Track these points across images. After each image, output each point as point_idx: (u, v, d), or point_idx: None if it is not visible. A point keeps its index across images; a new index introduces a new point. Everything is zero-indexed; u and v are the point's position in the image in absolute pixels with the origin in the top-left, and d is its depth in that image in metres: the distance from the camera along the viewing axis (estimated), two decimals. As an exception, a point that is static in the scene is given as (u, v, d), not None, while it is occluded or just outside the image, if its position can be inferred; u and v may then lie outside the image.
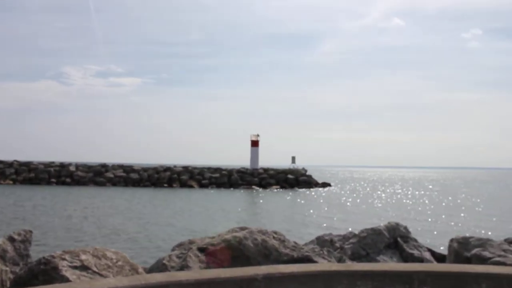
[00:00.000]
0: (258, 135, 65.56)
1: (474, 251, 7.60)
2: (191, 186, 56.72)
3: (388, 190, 62.72)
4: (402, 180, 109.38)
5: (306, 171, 64.32)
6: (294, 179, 60.80)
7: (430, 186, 76.11)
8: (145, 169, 59.38)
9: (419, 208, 35.63)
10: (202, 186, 57.05)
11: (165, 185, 56.46)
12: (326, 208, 34.55)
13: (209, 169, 61.54)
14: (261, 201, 41.48)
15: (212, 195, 46.94)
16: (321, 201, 41.51)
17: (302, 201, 40.67)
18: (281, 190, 56.52)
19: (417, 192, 58.94)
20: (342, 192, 56.56)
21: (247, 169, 62.14)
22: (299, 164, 69.53)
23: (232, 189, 55.97)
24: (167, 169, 59.77)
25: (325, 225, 24.84)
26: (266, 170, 62.11)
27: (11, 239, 6.34)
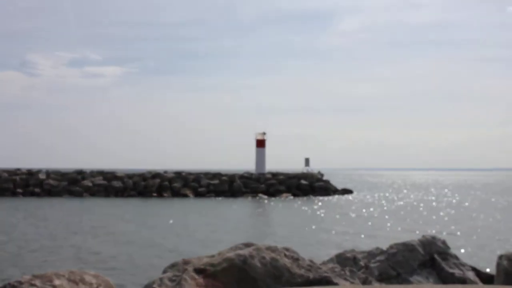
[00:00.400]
0: (264, 134, 65.95)
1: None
2: (185, 195, 57.16)
3: (427, 197, 62.93)
4: (445, 186, 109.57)
5: (322, 175, 64.69)
6: (308, 185, 61.11)
7: (478, 192, 76.19)
8: (129, 176, 59.78)
9: (460, 219, 35.64)
10: (198, 195, 57.60)
11: (154, 194, 56.99)
12: (347, 220, 34.64)
13: (207, 174, 61.89)
14: (269, 211, 41.63)
15: (210, 205, 47.20)
16: (342, 211, 41.61)
17: (319, 212, 40.84)
18: (293, 198, 56.88)
19: (454, 200, 58.41)
20: (367, 200, 56.80)
21: (252, 174, 62.49)
22: (314, 167, 68.81)
23: (234, 198, 56.36)
24: (156, 175, 60.20)
25: (347, 240, 24.99)
26: (274, 174, 62.41)
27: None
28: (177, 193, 57.45)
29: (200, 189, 58.21)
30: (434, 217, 37.37)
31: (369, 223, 32.59)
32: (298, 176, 62.26)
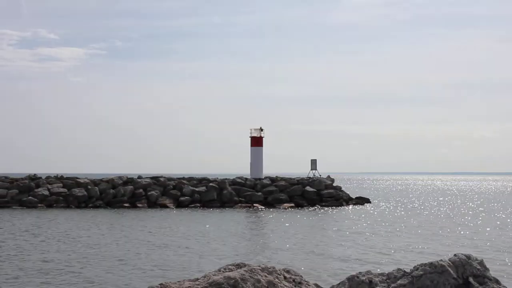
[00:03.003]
0: (261, 130, 66.15)
1: None
2: (164, 206, 57.46)
3: (459, 208, 63.12)
4: (474, 192, 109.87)
5: (333, 180, 64.78)
6: (315, 193, 61.37)
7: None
8: (95, 183, 59.94)
9: (501, 236, 35.77)
10: (180, 205, 58.02)
11: (126, 204, 57.34)
12: (362, 236, 34.66)
13: (190, 180, 62.07)
14: (266, 225, 41.81)
15: (195, 218, 47.32)
16: (356, 224, 41.74)
17: (327, 226, 40.93)
18: (296, 209, 57.07)
19: (498, 211, 58.49)
20: (387, 211, 57.08)
21: (246, 179, 62.77)
22: (322, 171, 68.68)
23: (224, 209, 56.47)
24: (129, 181, 60.43)
25: (360, 259, 24.97)
26: (274, 180, 62.66)
27: None
28: (154, 203, 57.76)
29: (183, 198, 58.55)
30: (468, 232, 37.56)
31: (389, 240, 32.75)
32: (302, 182, 62.45)
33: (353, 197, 67.27)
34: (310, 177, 64.79)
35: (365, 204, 65.90)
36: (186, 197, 58.66)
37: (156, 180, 60.90)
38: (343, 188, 67.88)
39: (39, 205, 56.44)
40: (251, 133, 65.89)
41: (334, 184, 64.69)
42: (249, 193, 60.01)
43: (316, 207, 58.74)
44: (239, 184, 61.45)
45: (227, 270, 7.38)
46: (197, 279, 7.25)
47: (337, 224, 42.56)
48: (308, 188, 61.54)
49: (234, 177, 63.67)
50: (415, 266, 9.22)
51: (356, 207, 61.54)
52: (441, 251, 26.86)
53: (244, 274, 6.89)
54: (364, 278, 9.55)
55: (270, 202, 59.29)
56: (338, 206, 60.27)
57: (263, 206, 58.48)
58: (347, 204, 63.04)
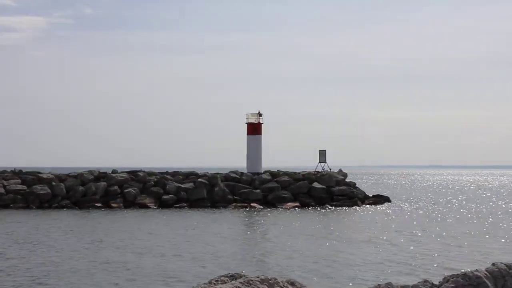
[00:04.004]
0: (260, 115, 66.13)
1: None
2: (143, 206, 57.49)
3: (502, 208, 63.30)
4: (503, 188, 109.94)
5: (345, 175, 64.66)
6: (324, 191, 61.17)
7: None
8: (61, 178, 59.56)
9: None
10: (163, 205, 58.02)
11: (98, 204, 57.30)
12: (382, 240, 34.66)
13: (175, 175, 61.81)
14: (266, 228, 41.80)
15: (181, 220, 47.44)
16: (374, 228, 41.73)
17: (338, 229, 40.99)
18: (301, 209, 56.98)
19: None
20: (411, 212, 56.98)
21: (242, 173, 62.69)
22: (333, 164, 68.29)
23: (215, 209, 56.44)
24: (101, 176, 60.31)
25: (377, 269, 24.98)
26: (275, 175, 62.53)
27: None
28: (131, 203, 57.70)
29: (166, 197, 58.45)
30: (507, 237, 37.59)
31: (413, 246, 32.77)
32: (309, 177, 62.19)
33: (370, 195, 67.07)
34: (318, 171, 64.48)
35: (384, 203, 65.66)
36: (170, 196, 58.46)
37: (134, 175, 60.50)
38: (357, 185, 67.58)
39: (-6, 205, 56.17)
40: (247, 118, 65.65)
41: (347, 180, 64.31)
42: (245, 190, 59.80)
43: (325, 207, 58.61)
44: (233, 180, 61.13)
45: (219, 282, 7.38)
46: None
47: (350, 227, 42.40)
48: (315, 184, 61.25)
49: (228, 172, 63.43)
50: (445, 278, 9.21)
51: (373, 207, 61.41)
52: (477, 260, 26.83)
53: (239, 287, 6.86)
54: (384, 291, 9.54)
55: (271, 201, 59.13)
56: (351, 206, 60.02)
57: (262, 206, 58.34)
58: (363, 203, 62.86)
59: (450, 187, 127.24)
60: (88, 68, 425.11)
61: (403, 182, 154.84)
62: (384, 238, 36.35)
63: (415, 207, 63.95)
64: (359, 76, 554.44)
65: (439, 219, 50.04)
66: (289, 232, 39.22)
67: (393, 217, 51.76)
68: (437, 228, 42.47)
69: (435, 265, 26.13)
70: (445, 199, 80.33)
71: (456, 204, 69.27)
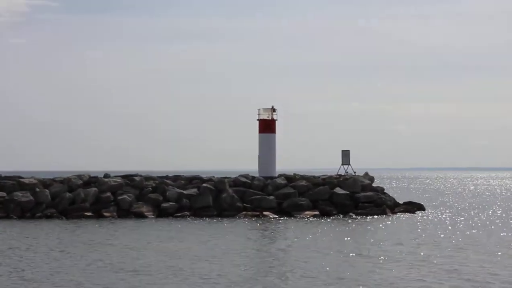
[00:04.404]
0: (274, 110, 65.42)
1: None
2: (140, 215, 56.76)
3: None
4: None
5: (372, 179, 63.98)
6: (348, 197, 60.33)
7: None
8: (45, 184, 58.95)
9: None
10: (162, 213, 57.77)
11: (88, 213, 56.56)
12: (414, 257, 33.30)
13: (177, 179, 61.27)
14: (280, 241, 41.34)
15: (183, 231, 46.93)
16: (407, 240, 40.78)
17: (364, 242, 40.35)
18: (321, 219, 56.23)
19: None
20: (448, 221, 55.96)
21: (253, 178, 61.99)
22: (358, 166, 67.61)
23: (223, 218, 55.85)
24: (91, 181, 59.58)
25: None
26: (291, 179, 61.70)
27: None
28: (126, 212, 56.88)
29: (166, 205, 57.79)
30: None
31: (453, 263, 31.43)
32: (330, 182, 61.09)
33: (400, 202, 65.59)
34: (340, 175, 63.76)
35: (417, 212, 64.50)
36: (170, 203, 58.07)
37: (129, 179, 59.89)
38: (385, 190, 66.25)
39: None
40: (259, 114, 64.70)
41: (374, 184, 63.42)
42: (257, 197, 58.95)
43: (349, 216, 57.65)
44: (243, 185, 60.36)
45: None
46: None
47: (378, 239, 41.50)
48: (338, 189, 60.23)
49: (237, 176, 62.37)
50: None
51: (405, 216, 60.32)
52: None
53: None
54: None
55: (286, 210, 58.37)
56: (379, 215, 58.97)
57: (277, 214, 57.55)
58: (392, 211, 61.39)
59: (492, 192, 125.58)
60: (75, 58, 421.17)
61: (439, 187, 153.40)
62: (420, 252, 35.17)
63: (453, 215, 62.68)
64: (389, 65, 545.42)
65: (484, 229, 48.60)
66: (310, 247, 37.70)
67: (431, 226, 50.74)
68: (483, 241, 41.01)
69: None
70: (486, 206, 79.11)
71: (499, 213, 67.94)
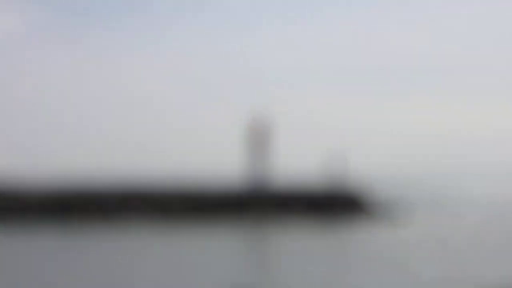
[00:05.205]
0: (267, 114, 63.37)
1: None
2: (123, 222, 56.93)
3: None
4: None
5: (376, 185, 64.90)
6: (346, 202, 59.59)
7: None
8: (16, 194, 57.88)
9: None
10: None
11: (76, 220, 55.41)
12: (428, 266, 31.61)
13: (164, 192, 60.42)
14: (276, 261, 38.60)
15: (169, 245, 45.49)
16: (415, 248, 39.90)
17: (368, 251, 39.25)
18: (314, 230, 55.89)
19: None
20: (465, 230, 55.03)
21: (241, 189, 61.68)
22: (360, 171, 66.96)
23: (205, 229, 54.70)
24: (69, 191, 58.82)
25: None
26: (283, 191, 61.58)
27: None
28: (106, 220, 56.29)
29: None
30: None
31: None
32: (326, 193, 61.57)
33: (407, 208, 65.56)
34: (339, 181, 62.53)
35: (429, 217, 66.23)
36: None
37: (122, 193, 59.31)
38: (390, 196, 67.83)
39: None
40: (248, 122, 62.55)
41: (377, 190, 64.63)
42: (245, 208, 59.06)
43: (350, 222, 57.59)
44: (230, 198, 60.90)
45: None
46: None
47: (384, 248, 40.40)
48: (334, 195, 61.20)
49: (223, 189, 62.14)
50: None
51: (415, 223, 59.46)
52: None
53: None
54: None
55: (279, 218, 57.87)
56: (384, 228, 57.24)
57: (268, 223, 57.33)
58: (397, 220, 60.39)
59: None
60: (67, 67, 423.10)
61: (449, 193, 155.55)
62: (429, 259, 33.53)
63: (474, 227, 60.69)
64: (388, 67, 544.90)
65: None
66: (303, 260, 35.04)
67: (443, 240, 47.99)
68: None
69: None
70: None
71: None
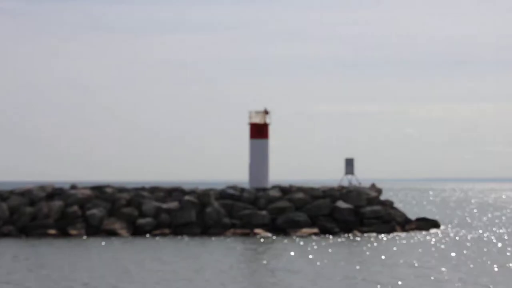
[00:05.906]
0: (267, 113, 63.66)
1: None
2: (112, 233, 55.81)
3: None
4: None
5: (380, 192, 62.56)
6: (351, 212, 58.55)
7: None
8: (2, 196, 58.39)
9: None
10: (138, 231, 56.63)
11: (52, 231, 55.15)
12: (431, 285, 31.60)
13: (154, 190, 59.65)
14: (274, 265, 39.33)
15: (161, 253, 45.34)
16: (421, 265, 38.59)
17: (372, 266, 38.35)
18: (321, 237, 54.50)
19: None
20: (468, 240, 53.45)
21: (242, 189, 60.34)
22: (363, 176, 65.97)
23: (208, 237, 55.11)
24: (56, 193, 58.39)
25: None
26: (286, 191, 60.16)
27: None
28: (96, 229, 55.13)
29: (142, 221, 56.50)
30: None
31: None
32: (332, 194, 59.15)
33: (412, 218, 63.04)
34: (343, 186, 61.93)
35: (432, 229, 62.00)
36: (147, 219, 56.87)
37: (99, 191, 58.76)
38: (395, 204, 64.12)
39: None
40: (250, 117, 62.50)
41: (382, 198, 61.53)
42: (247, 211, 57.28)
43: (353, 234, 55.42)
44: (231, 198, 58.96)
45: None
46: None
47: (387, 263, 39.54)
48: (340, 203, 58.47)
49: (224, 187, 60.30)
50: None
51: (418, 234, 57.22)
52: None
53: None
54: None
55: (281, 227, 56.77)
56: (388, 233, 56.93)
57: (270, 232, 55.54)
58: (403, 229, 59.45)
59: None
60: (40, 50, 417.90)
61: (455, 201, 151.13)
62: (439, 278, 32.75)
63: (472, 233, 59.86)
64: (397, 60, 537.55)
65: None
66: (305, 271, 35.43)
67: (448, 246, 48.31)
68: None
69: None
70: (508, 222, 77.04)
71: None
